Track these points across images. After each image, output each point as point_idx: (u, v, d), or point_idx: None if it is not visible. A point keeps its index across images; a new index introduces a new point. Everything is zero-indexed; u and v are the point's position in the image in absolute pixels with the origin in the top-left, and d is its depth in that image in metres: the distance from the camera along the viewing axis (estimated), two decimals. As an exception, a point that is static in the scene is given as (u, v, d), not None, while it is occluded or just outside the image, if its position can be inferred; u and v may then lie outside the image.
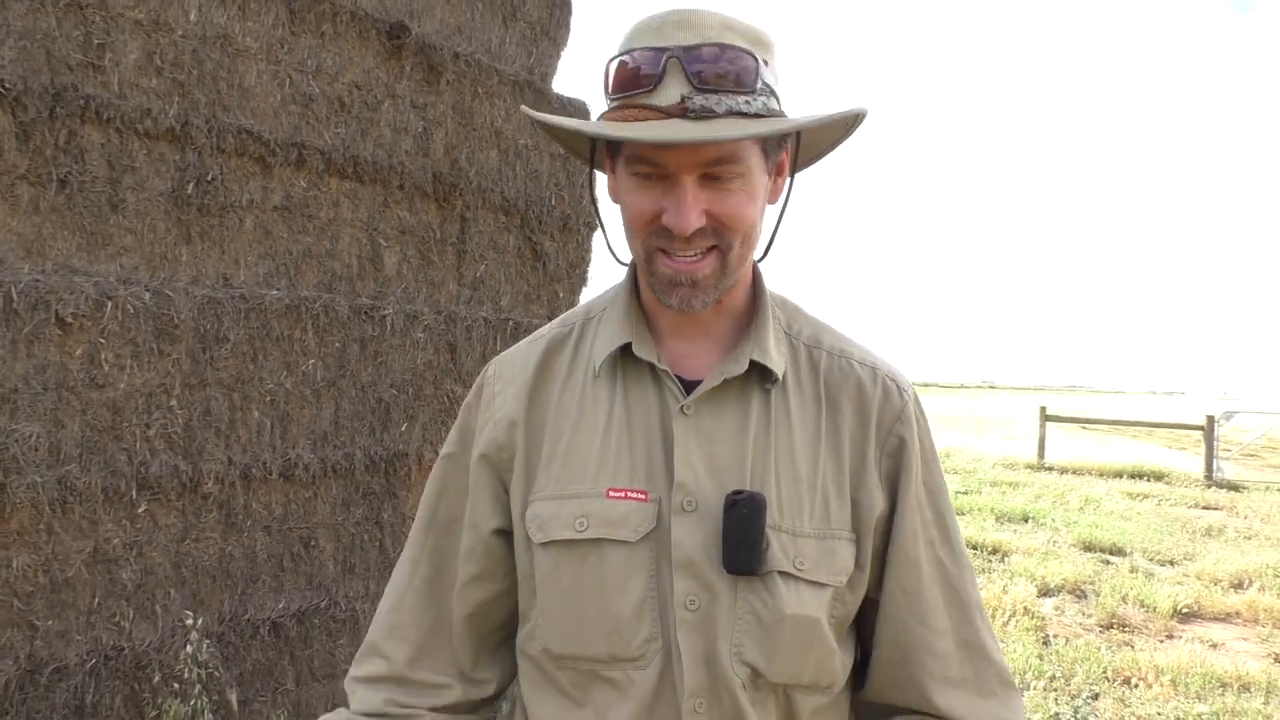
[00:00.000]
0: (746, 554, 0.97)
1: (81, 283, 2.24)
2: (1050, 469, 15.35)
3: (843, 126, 1.03)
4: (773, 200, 1.04)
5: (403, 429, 2.99)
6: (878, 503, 1.03)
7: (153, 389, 2.38)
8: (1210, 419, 15.64)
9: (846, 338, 1.11)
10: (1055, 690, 4.72)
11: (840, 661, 1.03)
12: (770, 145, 0.99)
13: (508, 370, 1.10)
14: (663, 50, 0.93)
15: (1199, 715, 4.48)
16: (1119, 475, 14.78)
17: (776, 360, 1.05)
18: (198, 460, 2.48)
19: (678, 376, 1.04)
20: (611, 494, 1.01)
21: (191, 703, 2.37)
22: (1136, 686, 4.94)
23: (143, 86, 2.36)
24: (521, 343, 1.14)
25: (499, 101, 3.28)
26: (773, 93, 0.97)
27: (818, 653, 1.00)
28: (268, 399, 2.63)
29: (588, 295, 3.75)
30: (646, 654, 0.99)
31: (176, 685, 2.40)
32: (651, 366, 1.04)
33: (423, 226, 3.10)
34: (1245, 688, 4.98)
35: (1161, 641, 5.90)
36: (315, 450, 2.75)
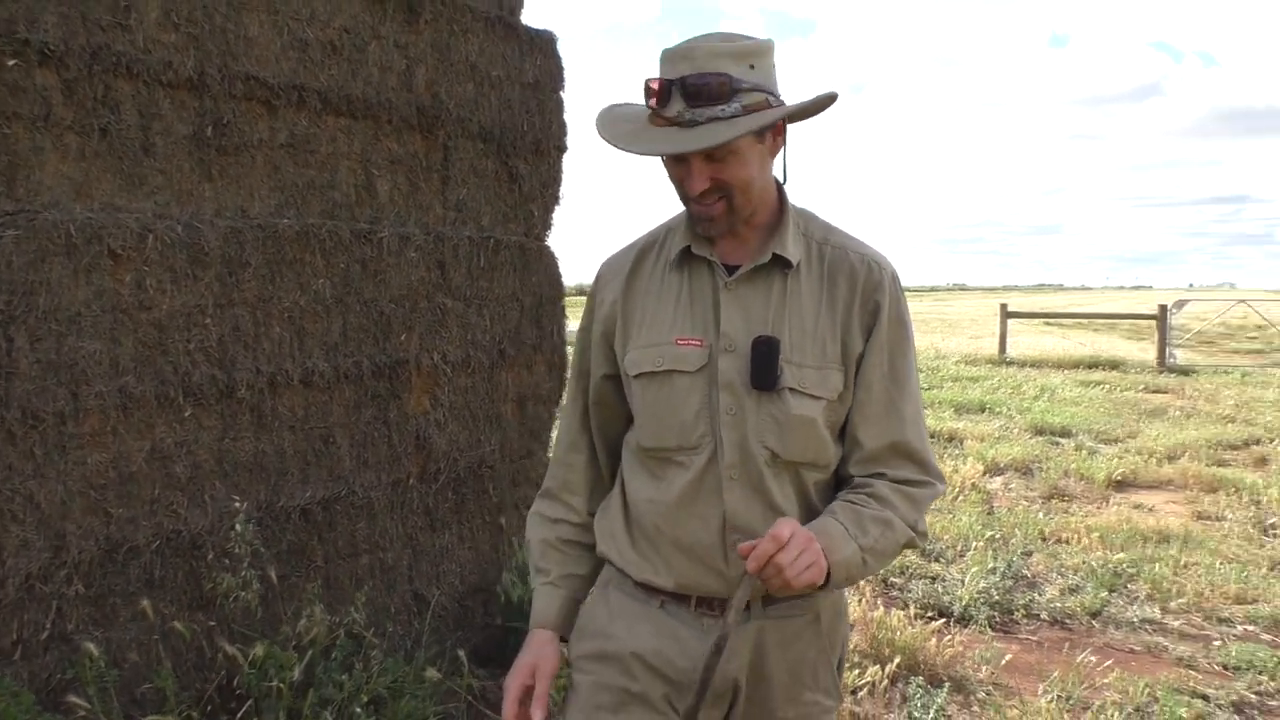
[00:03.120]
0: (766, 376, 1.49)
1: (125, 219, 2.59)
2: (1011, 363, 15.95)
3: (813, 106, 1.51)
4: (773, 153, 1.52)
5: (402, 338, 3.37)
6: (858, 345, 1.54)
7: (190, 309, 2.75)
8: (1162, 308, 16.25)
9: (849, 235, 1.62)
10: (994, 549, 5.27)
11: (833, 451, 1.56)
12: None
13: (611, 269, 1.67)
14: (670, 80, 1.42)
15: (1119, 562, 5.05)
16: (1076, 366, 15.42)
17: (793, 253, 1.54)
18: (231, 370, 2.86)
19: (728, 265, 1.55)
20: (679, 341, 1.54)
21: (242, 574, 2.79)
22: (1068, 544, 5.51)
23: (163, 42, 2.68)
24: (622, 249, 1.70)
25: (473, 37, 3.59)
26: (757, 89, 1.43)
27: (815, 442, 1.53)
28: (286, 315, 3.00)
29: (560, 213, 4.11)
30: (701, 444, 1.53)
31: (227, 561, 2.83)
32: (706, 259, 1.56)
33: (410, 156, 3.44)
34: (1164, 539, 5.57)
35: (1096, 507, 6.47)
36: (329, 359, 3.14)
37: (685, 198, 1.51)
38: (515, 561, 3.84)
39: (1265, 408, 10.94)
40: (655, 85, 1.44)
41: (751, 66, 1.42)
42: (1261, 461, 8.02)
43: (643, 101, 1.49)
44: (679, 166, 1.48)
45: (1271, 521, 6.09)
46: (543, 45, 3.91)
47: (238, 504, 2.80)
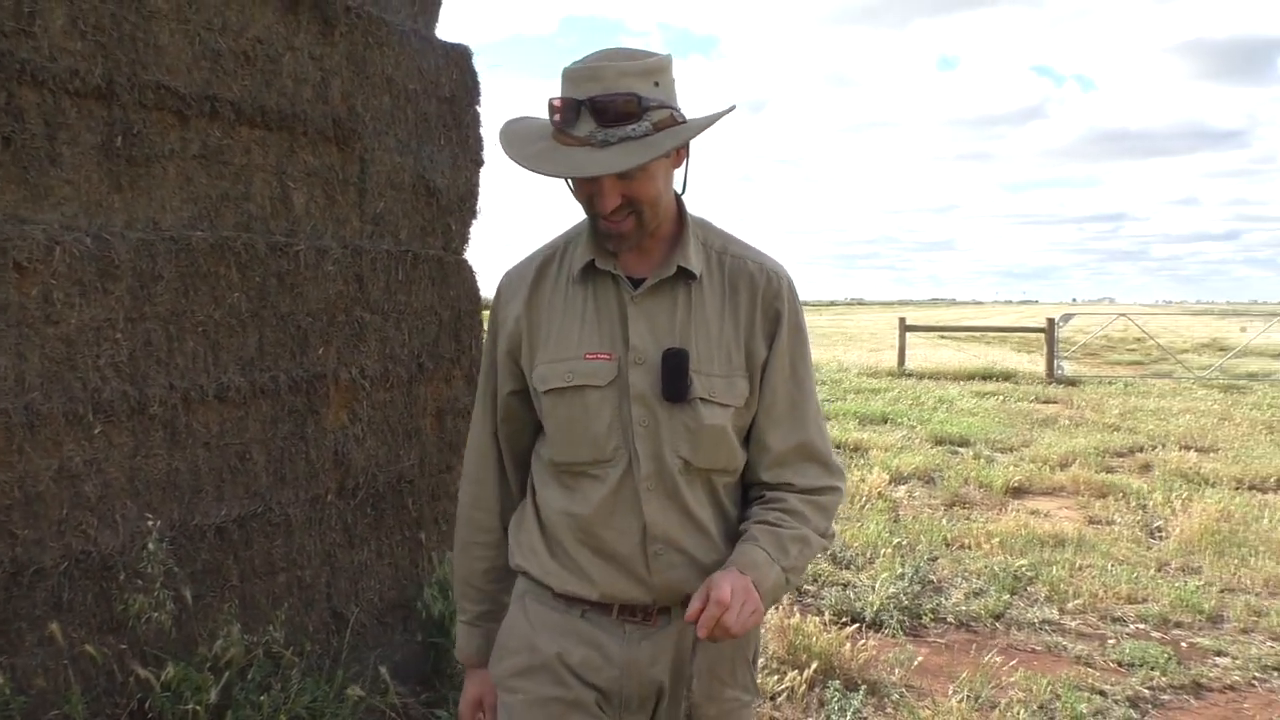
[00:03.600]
0: (678, 388, 1.51)
1: (31, 230, 2.50)
2: (910, 375, 16.43)
3: (709, 123, 1.52)
4: (676, 165, 1.55)
5: (319, 353, 3.33)
6: (761, 352, 1.59)
7: (100, 323, 2.67)
8: (1051, 321, 16.93)
9: (745, 244, 1.66)
10: (901, 555, 5.43)
11: (741, 456, 1.60)
12: None
13: (512, 284, 1.66)
14: (577, 100, 1.43)
15: (1019, 566, 5.26)
16: (971, 377, 15.98)
17: (696, 265, 1.56)
18: (143, 386, 2.78)
19: (632, 277, 1.57)
20: (588, 356, 1.55)
21: (155, 595, 2.71)
22: (970, 549, 5.71)
23: (70, 49, 2.60)
24: (522, 260, 1.69)
25: (389, 50, 3.58)
26: (663, 105, 1.45)
27: (724, 448, 1.57)
28: (200, 329, 2.94)
29: (479, 227, 4.11)
30: (615, 457, 1.54)
31: (140, 582, 2.74)
32: (611, 273, 1.56)
33: (326, 168, 3.40)
34: (1060, 543, 5.82)
35: (995, 514, 6.72)
36: (244, 374, 3.08)
37: (594, 215, 1.52)
38: (436, 576, 3.80)
39: (1146, 416, 11.51)
40: (560, 105, 1.44)
41: (656, 84, 1.45)
42: (1145, 468, 8.43)
43: (543, 116, 1.49)
44: (589, 184, 1.48)
45: (1157, 525, 6.41)
46: (458, 59, 3.92)
47: (150, 523, 2.72)
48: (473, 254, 4.07)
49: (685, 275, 1.57)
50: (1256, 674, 3.96)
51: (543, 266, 1.64)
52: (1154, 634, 4.46)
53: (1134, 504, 6.95)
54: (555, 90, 1.48)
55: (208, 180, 3.02)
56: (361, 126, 3.49)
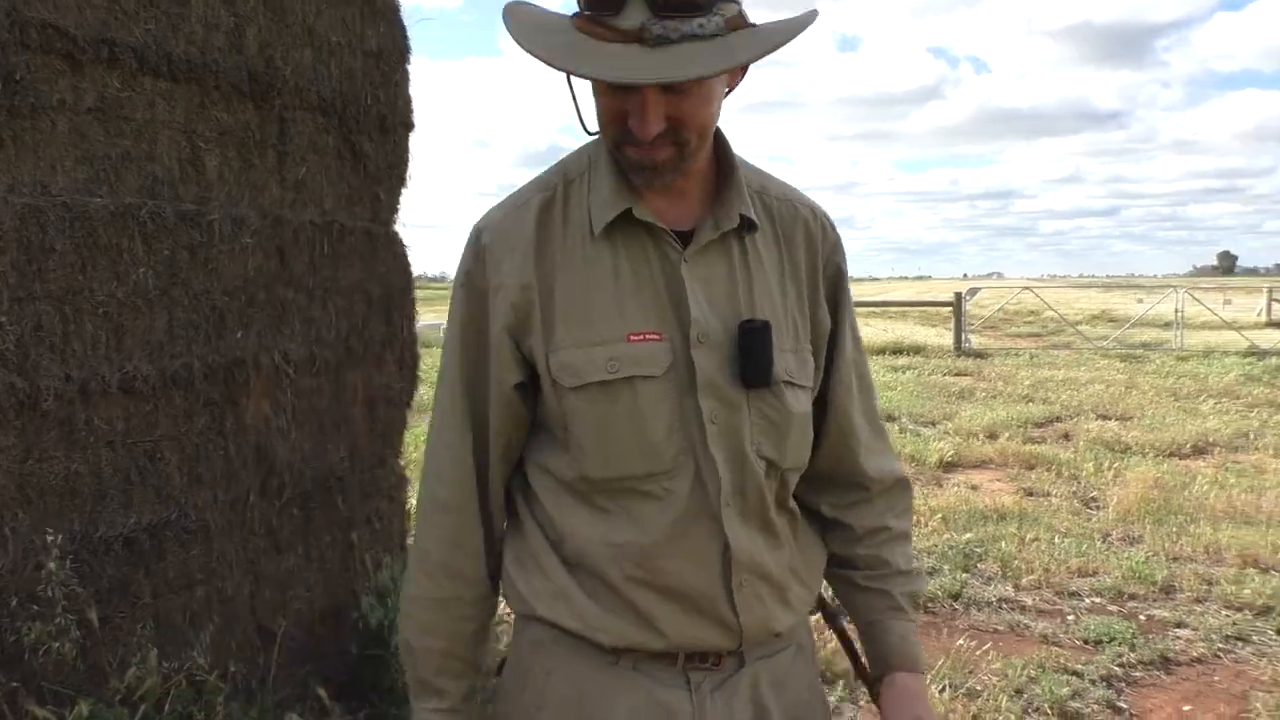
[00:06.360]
0: (761, 370, 1.19)
1: (-110, 193, 2.09)
2: (821, 350, 16.48)
3: (795, 31, 1.13)
4: (731, 87, 1.20)
5: (238, 336, 2.95)
6: (826, 320, 1.30)
7: (-21, 304, 2.26)
8: (958, 295, 17.21)
9: (782, 181, 1.32)
10: (851, 537, 5.28)
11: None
12: None
13: (505, 239, 1.22)
14: None
15: (966, 542, 5.17)
16: (882, 352, 16.16)
17: (754, 212, 1.24)
18: (33, 376, 2.38)
19: (670, 229, 1.20)
20: (632, 338, 1.18)
21: (55, 621, 2.33)
22: (915, 526, 5.60)
23: (-67, -23, 2.18)
24: (506, 207, 1.25)
25: (309, -4, 3.19)
26: None
27: (807, 440, 1.28)
28: (100, 310, 2.54)
29: (407, 196, 3.75)
30: (677, 466, 1.19)
31: (35, 607, 2.35)
32: (645, 224, 1.19)
33: (241, 128, 3.01)
34: (1002, 517, 5.77)
35: (933, 489, 6.65)
36: (153, 361, 2.69)
37: (621, 140, 1.14)
38: (372, 583, 3.47)
39: (1057, 387, 11.72)
40: None
41: None
42: (1066, 437, 8.52)
43: (556, 7, 1.15)
44: (624, 100, 1.11)
45: (1092, 495, 6.43)
46: (385, 11, 3.55)
47: (49, 537, 2.33)
48: (402, 226, 3.72)
49: (741, 224, 1.23)
50: (1220, 645, 3.92)
51: (544, 215, 1.23)
52: (1111, 608, 4.40)
53: (1065, 475, 6.98)
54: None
55: (106, 138, 2.61)
56: (281, 81, 3.10)
